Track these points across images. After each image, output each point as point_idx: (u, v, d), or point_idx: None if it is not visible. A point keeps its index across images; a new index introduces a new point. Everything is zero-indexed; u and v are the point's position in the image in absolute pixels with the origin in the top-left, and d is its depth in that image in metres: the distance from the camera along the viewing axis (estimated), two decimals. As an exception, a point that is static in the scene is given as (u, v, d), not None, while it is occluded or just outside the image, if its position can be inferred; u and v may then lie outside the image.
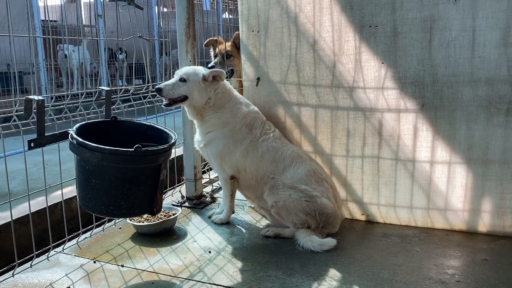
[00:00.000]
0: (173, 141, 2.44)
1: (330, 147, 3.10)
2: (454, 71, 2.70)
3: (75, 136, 2.21)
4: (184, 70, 2.88)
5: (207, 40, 4.06)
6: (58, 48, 9.65)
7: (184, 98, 2.81)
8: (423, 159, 2.88)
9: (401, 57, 2.79)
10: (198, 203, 3.47)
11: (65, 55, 9.28)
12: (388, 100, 2.88)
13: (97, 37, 9.58)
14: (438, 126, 2.80)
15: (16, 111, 2.34)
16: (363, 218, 3.11)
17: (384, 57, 2.84)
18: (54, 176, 3.23)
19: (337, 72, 2.97)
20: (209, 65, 3.89)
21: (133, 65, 3.92)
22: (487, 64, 2.62)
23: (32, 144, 2.25)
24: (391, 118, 2.90)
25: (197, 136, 3.01)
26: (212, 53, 4.11)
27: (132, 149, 2.16)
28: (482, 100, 2.67)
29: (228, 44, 3.93)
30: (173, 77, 2.89)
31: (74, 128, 2.32)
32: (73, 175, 2.48)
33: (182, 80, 2.81)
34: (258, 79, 3.21)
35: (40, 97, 2.25)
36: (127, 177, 2.22)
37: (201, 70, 2.88)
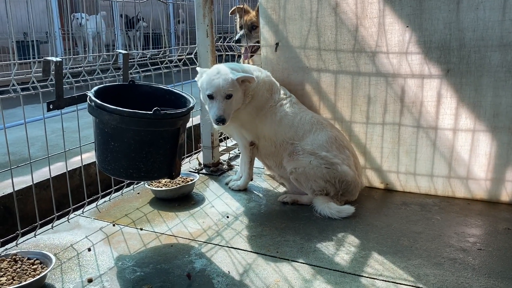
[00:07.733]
0: (191, 105, 2.41)
1: (349, 114, 3.04)
2: (482, 35, 2.59)
3: (93, 98, 2.18)
4: (221, 84, 2.61)
5: (233, 8, 3.88)
6: (72, 17, 9.60)
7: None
8: (446, 126, 2.80)
9: (427, 20, 2.68)
10: (215, 170, 3.47)
11: (80, 23, 9.22)
12: (411, 66, 2.79)
13: (113, 4, 9.48)
14: (463, 92, 2.71)
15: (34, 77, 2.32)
16: (382, 186, 3.08)
17: (408, 20, 2.73)
18: (72, 143, 3.23)
19: (359, 36, 2.88)
20: (235, 38, 3.76)
21: (150, 33, 3.85)
22: (518, 27, 2.51)
23: (51, 106, 2.23)
24: (414, 84, 2.81)
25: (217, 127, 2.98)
26: (237, 22, 3.92)
27: (151, 112, 2.13)
28: (511, 66, 2.57)
29: (253, 14, 3.76)
30: (208, 94, 2.65)
31: (93, 90, 2.29)
32: (91, 141, 2.47)
33: (228, 97, 2.63)
34: (277, 44, 3.13)
35: (58, 59, 2.22)
36: (146, 140, 2.20)
37: (230, 75, 2.65)
